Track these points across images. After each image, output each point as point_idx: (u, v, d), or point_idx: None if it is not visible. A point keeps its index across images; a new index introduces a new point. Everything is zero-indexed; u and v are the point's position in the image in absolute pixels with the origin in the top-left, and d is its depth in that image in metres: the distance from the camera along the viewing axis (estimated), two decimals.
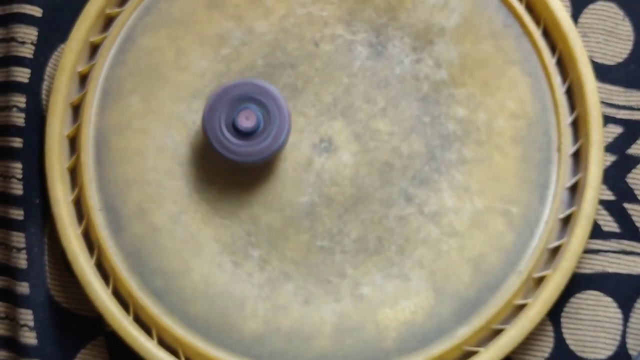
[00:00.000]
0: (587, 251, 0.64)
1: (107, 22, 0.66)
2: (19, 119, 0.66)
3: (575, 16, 0.66)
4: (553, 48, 0.64)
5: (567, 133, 0.63)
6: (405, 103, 0.64)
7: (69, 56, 0.65)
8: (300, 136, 0.64)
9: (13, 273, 0.65)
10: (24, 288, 0.64)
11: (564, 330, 0.64)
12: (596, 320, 0.64)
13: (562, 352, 0.63)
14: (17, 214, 0.65)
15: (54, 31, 0.67)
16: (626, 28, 0.66)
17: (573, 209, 0.62)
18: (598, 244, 0.64)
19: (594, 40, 0.66)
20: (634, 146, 0.65)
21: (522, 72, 0.63)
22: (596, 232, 0.64)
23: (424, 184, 0.63)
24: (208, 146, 0.64)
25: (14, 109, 0.66)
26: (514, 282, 0.61)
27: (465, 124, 0.63)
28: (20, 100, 0.66)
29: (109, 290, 0.62)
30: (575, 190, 0.63)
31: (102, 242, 0.63)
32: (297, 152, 0.63)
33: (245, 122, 0.60)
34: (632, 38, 0.66)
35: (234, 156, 0.61)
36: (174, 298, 0.62)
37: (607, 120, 0.65)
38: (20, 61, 0.66)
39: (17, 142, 0.65)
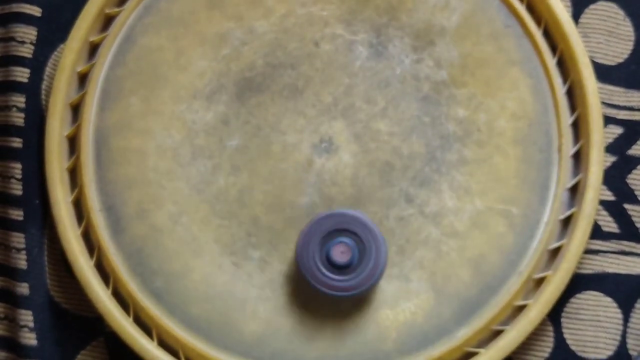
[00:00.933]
0: (587, 251, 0.64)
1: (107, 21, 0.66)
2: (19, 119, 0.65)
3: (576, 16, 0.66)
4: (554, 48, 0.64)
5: (568, 134, 0.63)
6: (405, 103, 0.64)
7: (69, 56, 0.64)
8: (300, 136, 0.63)
9: (13, 274, 0.64)
10: (23, 289, 0.64)
11: (564, 331, 0.64)
12: (596, 320, 0.64)
13: (562, 353, 0.63)
14: (17, 214, 0.65)
15: (54, 31, 0.66)
16: (627, 28, 0.66)
17: (573, 209, 0.62)
18: (598, 244, 0.64)
19: (594, 40, 0.66)
20: (634, 147, 0.65)
21: (522, 73, 0.63)
22: (596, 232, 0.64)
23: (424, 185, 0.63)
24: (208, 146, 0.64)
25: (14, 109, 0.65)
26: (514, 283, 0.61)
27: (465, 124, 0.63)
28: (20, 100, 0.65)
29: (109, 291, 0.62)
30: (575, 191, 0.63)
31: (102, 243, 0.62)
32: (297, 153, 0.63)
33: (341, 256, 0.59)
34: (632, 38, 0.66)
35: (332, 291, 0.59)
36: (175, 299, 0.62)
37: (608, 120, 0.65)
38: (20, 61, 0.66)
39: (17, 142, 0.65)
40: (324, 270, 0.59)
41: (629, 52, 0.66)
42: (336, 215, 0.60)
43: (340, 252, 0.59)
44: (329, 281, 0.59)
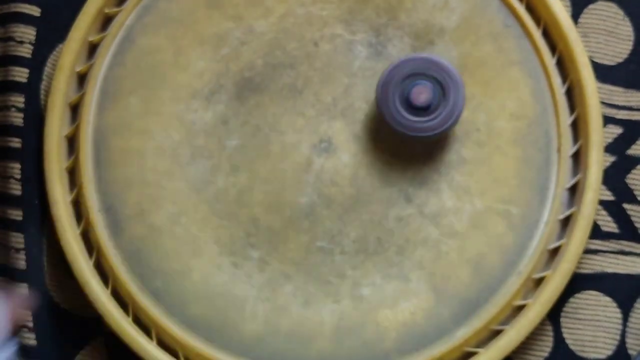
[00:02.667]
0: (586, 251, 0.64)
1: (106, 21, 0.66)
2: (18, 118, 0.65)
3: (576, 16, 0.66)
4: (553, 48, 0.64)
5: (567, 134, 0.63)
6: None
7: (68, 56, 0.64)
8: (299, 136, 0.63)
9: (12, 274, 0.64)
10: (22, 289, 0.64)
11: (563, 330, 0.64)
12: (596, 320, 0.64)
13: (561, 352, 0.64)
14: (16, 214, 0.65)
15: (53, 31, 0.66)
16: (626, 28, 0.66)
17: (573, 209, 0.62)
18: (597, 244, 0.64)
19: (594, 40, 0.66)
20: (633, 147, 0.65)
21: (522, 73, 0.63)
22: (595, 232, 0.64)
23: (423, 185, 0.63)
24: (207, 146, 0.64)
25: (13, 109, 0.65)
26: (513, 283, 0.61)
27: (465, 124, 0.63)
28: (19, 100, 0.65)
29: (108, 291, 0.62)
30: (575, 191, 0.63)
31: (101, 243, 0.62)
32: (296, 153, 0.63)
33: (419, 97, 0.59)
34: (632, 38, 0.66)
35: (412, 133, 0.60)
36: (174, 299, 0.62)
37: (607, 120, 0.65)
38: (19, 61, 0.66)
39: (16, 142, 0.65)
40: (404, 112, 0.60)
41: (628, 52, 0.66)
42: (415, 59, 0.60)
43: (419, 94, 0.59)
44: (409, 123, 0.60)
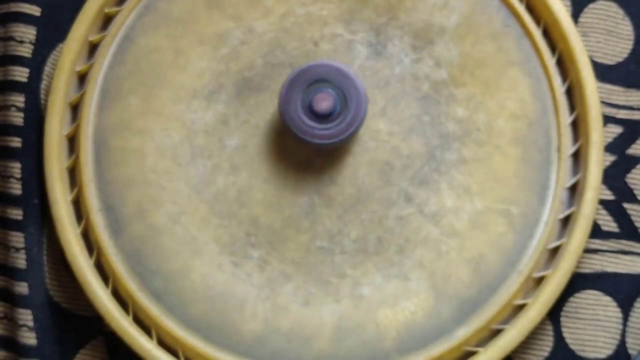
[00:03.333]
0: (586, 251, 0.64)
1: (106, 21, 0.66)
2: (18, 118, 0.65)
3: (576, 15, 0.66)
4: (553, 48, 0.64)
5: (567, 133, 0.63)
6: (404, 103, 0.64)
7: (68, 55, 0.64)
8: None
9: (12, 273, 0.64)
10: (22, 288, 0.64)
11: (563, 330, 0.64)
12: (596, 319, 0.64)
13: (562, 352, 0.64)
14: (16, 213, 0.65)
15: (53, 30, 0.66)
16: (626, 27, 0.66)
17: (573, 209, 0.62)
18: (597, 243, 0.64)
19: (594, 39, 0.66)
20: (633, 146, 0.65)
21: (522, 73, 0.63)
22: (595, 231, 0.64)
23: (423, 184, 0.63)
24: (208, 146, 0.64)
25: (13, 109, 0.65)
26: (513, 282, 0.61)
27: (465, 124, 0.63)
28: (19, 99, 0.65)
29: (109, 291, 0.62)
30: (575, 191, 0.63)
31: (101, 243, 0.62)
32: (296, 152, 0.63)
33: (321, 104, 0.60)
34: (632, 37, 0.66)
35: (311, 139, 0.60)
36: (174, 299, 0.62)
37: (607, 120, 0.65)
38: (19, 60, 0.66)
39: (16, 142, 0.65)
40: (306, 119, 0.60)
41: (628, 51, 0.66)
42: (318, 66, 0.60)
43: (321, 101, 0.59)
44: (311, 130, 0.60)
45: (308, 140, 0.60)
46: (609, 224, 0.64)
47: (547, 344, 0.64)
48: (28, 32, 0.66)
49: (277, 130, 0.64)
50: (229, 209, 0.63)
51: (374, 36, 0.64)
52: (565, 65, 0.64)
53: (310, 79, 0.60)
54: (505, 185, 0.62)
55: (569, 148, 0.63)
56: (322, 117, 0.60)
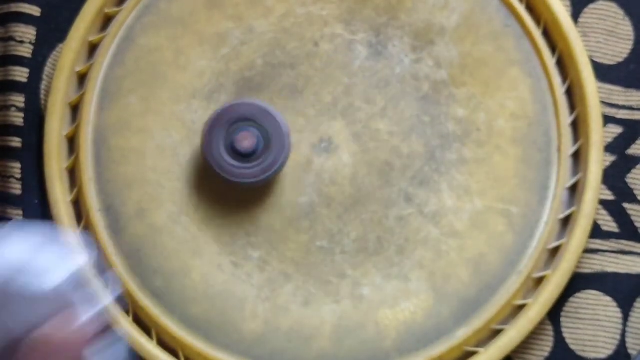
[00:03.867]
0: (586, 251, 0.64)
1: (106, 21, 0.66)
2: (18, 118, 0.65)
3: (575, 16, 0.66)
4: (553, 48, 0.64)
5: (567, 133, 0.63)
6: (405, 103, 0.64)
7: (68, 56, 0.64)
8: (299, 136, 0.63)
9: None
10: None
11: (563, 330, 0.64)
12: (596, 319, 0.64)
13: (562, 352, 0.63)
14: (16, 214, 0.65)
15: (53, 30, 0.66)
16: (626, 27, 0.66)
17: (573, 209, 0.62)
18: (597, 243, 0.64)
19: (594, 40, 0.66)
20: (633, 146, 0.65)
21: (522, 73, 0.63)
22: (596, 232, 0.64)
23: (423, 184, 0.63)
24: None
25: (13, 109, 0.65)
26: (513, 283, 0.61)
27: (465, 124, 0.63)
28: (19, 99, 0.65)
29: None
30: (575, 191, 0.63)
31: (101, 243, 0.62)
32: (296, 152, 0.63)
33: (244, 143, 0.60)
34: (632, 37, 0.66)
35: (233, 178, 0.60)
36: (174, 298, 0.62)
37: (607, 120, 0.65)
38: (19, 60, 0.66)
39: (16, 142, 0.65)
40: (228, 158, 0.60)
41: (628, 51, 0.66)
42: (240, 105, 0.60)
43: (243, 140, 0.59)
44: (233, 169, 0.60)
45: (231, 180, 0.60)
46: (609, 224, 0.64)
47: (547, 344, 0.64)
48: (28, 33, 0.66)
49: None
50: (229, 209, 0.63)
51: (374, 36, 0.64)
52: (565, 65, 0.64)
53: (233, 118, 0.60)
54: (505, 185, 0.62)
55: (569, 148, 0.63)
56: (245, 156, 0.60)
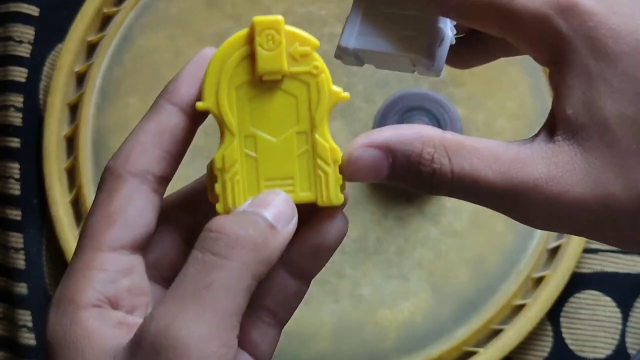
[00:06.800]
0: (586, 251, 0.64)
1: (105, 21, 0.66)
2: (17, 118, 0.65)
3: None
4: None
5: None
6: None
7: (67, 55, 0.64)
8: None
9: (11, 274, 0.64)
10: (22, 289, 0.64)
11: (563, 330, 0.64)
12: (595, 319, 0.64)
13: (561, 352, 0.63)
14: (15, 214, 0.64)
15: (51, 30, 0.66)
16: None
17: None
18: (597, 243, 0.64)
19: None
20: None
21: (522, 72, 0.63)
22: None
23: None
24: (207, 146, 0.64)
25: (11, 109, 0.65)
26: (513, 282, 0.61)
27: (465, 124, 0.63)
28: (18, 99, 0.65)
29: None
30: None
31: None
32: None
33: None
34: None
35: None
36: None
37: None
38: (18, 60, 0.66)
39: (15, 142, 0.65)
40: None
41: None
42: (413, 94, 0.60)
43: None
44: None
45: None
46: None
47: (546, 344, 0.64)
48: (27, 32, 0.66)
49: None
50: None
51: None
52: None
53: (405, 107, 0.60)
54: None
55: None
56: None
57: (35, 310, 0.64)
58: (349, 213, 0.63)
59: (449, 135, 0.34)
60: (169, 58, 0.64)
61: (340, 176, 0.36)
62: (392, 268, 0.62)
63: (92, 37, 0.65)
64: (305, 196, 0.36)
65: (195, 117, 0.37)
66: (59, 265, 0.65)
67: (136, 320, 0.34)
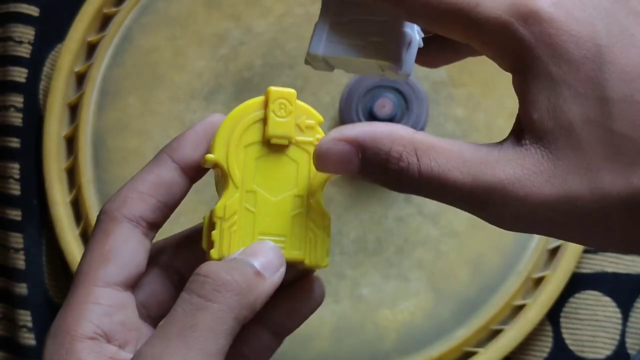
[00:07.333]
0: (586, 251, 0.64)
1: (105, 21, 0.66)
2: (16, 119, 0.65)
3: None
4: None
5: None
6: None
7: (66, 56, 0.64)
8: None
9: (11, 274, 0.64)
10: (22, 289, 0.64)
11: (563, 330, 0.64)
12: (595, 320, 0.64)
13: (561, 352, 0.63)
14: (15, 214, 0.64)
15: (51, 31, 0.66)
16: None
17: None
18: None
19: None
20: None
21: None
22: None
23: None
24: None
25: (11, 109, 0.65)
26: (513, 283, 0.61)
27: (464, 124, 0.63)
28: (18, 100, 0.65)
29: None
30: None
31: None
32: None
33: (382, 110, 0.59)
34: None
35: None
36: None
37: None
38: (17, 61, 0.66)
39: (15, 142, 0.65)
40: None
41: None
42: None
43: (382, 106, 0.59)
44: None
45: None
46: None
47: (546, 345, 0.64)
48: (27, 33, 0.66)
49: None
50: None
51: None
52: None
53: (370, 85, 0.60)
54: None
55: None
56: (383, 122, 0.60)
57: (35, 310, 0.64)
58: (349, 213, 0.63)
59: (419, 136, 0.35)
60: (169, 58, 0.64)
61: (328, 241, 0.39)
62: (392, 268, 0.62)
63: (92, 37, 0.65)
64: (295, 254, 0.38)
65: (191, 176, 0.40)
66: (59, 266, 0.65)
67: (127, 355, 0.36)
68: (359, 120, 0.60)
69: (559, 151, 0.34)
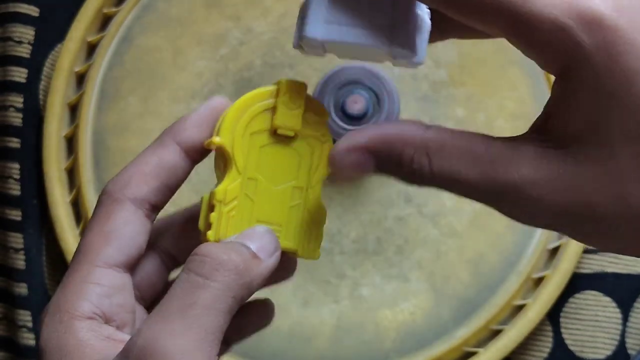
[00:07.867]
0: (586, 251, 0.64)
1: (105, 21, 0.66)
2: (16, 119, 0.65)
3: None
4: None
5: None
6: (403, 103, 0.63)
7: (66, 56, 0.64)
8: None
9: (11, 274, 0.64)
10: (22, 289, 0.64)
11: (563, 331, 0.64)
12: (595, 320, 0.64)
13: (561, 353, 0.63)
14: (15, 214, 0.64)
15: (51, 30, 0.66)
16: None
17: None
18: None
19: None
20: None
21: (521, 72, 0.63)
22: None
23: None
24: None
25: (11, 109, 0.65)
26: (513, 283, 0.61)
27: (464, 124, 0.63)
28: (18, 100, 0.65)
29: None
30: None
31: None
32: None
33: (354, 106, 0.60)
34: None
35: None
36: None
37: None
38: (17, 61, 0.66)
39: (15, 142, 0.65)
40: (338, 120, 0.60)
41: None
42: (351, 68, 0.60)
43: (353, 103, 0.59)
44: (343, 131, 0.60)
45: None
46: None
47: (546, 345, 0.64)
48: (26, 33, 0.66)
49: None
50: None
51: None
52: None
53: (342, 81, 0.60)
54: None
55: None
56: (355, 119, 0.60)
57: (35, 310, 0.64)
58: (349, 213, 0.63)
59: (430, 134, 0.35)
60: (169, 58, 0.64)
61: (321, 235, 0.39)
62: (392, 268, 0.62)
63: (92, 37, 0.65)
64: (289, 244, 0.39)
65: (194, 158, 0.40)
66: (59, 266, 0.65)
67: (124, 337, 0.36)
68: (331, 119, 0.60)
69: (588, 160, 0.33)
